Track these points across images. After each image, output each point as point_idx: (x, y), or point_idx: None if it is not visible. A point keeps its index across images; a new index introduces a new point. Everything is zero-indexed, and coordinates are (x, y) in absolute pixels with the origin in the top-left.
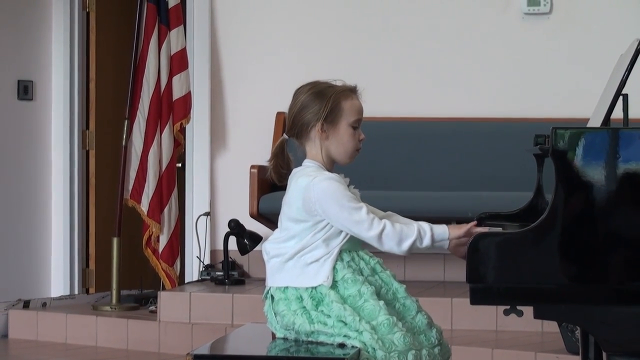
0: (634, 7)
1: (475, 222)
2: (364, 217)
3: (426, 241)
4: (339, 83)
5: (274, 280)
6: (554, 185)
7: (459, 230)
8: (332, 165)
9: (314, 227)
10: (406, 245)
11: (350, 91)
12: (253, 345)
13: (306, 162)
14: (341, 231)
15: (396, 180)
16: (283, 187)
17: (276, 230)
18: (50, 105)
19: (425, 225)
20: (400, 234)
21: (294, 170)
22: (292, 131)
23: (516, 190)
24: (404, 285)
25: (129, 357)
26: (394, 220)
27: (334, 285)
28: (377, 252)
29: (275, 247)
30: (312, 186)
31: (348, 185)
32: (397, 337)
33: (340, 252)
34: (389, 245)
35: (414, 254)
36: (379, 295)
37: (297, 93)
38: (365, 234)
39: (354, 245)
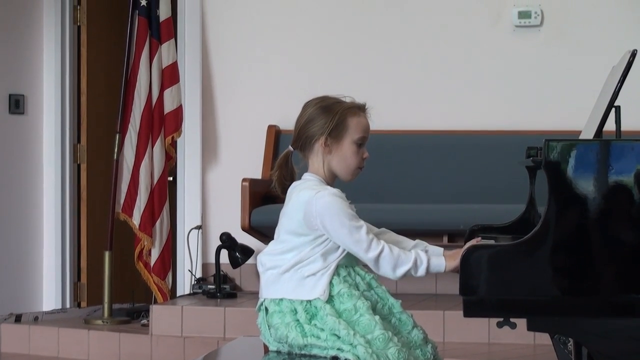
0: (625, 19)
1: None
2: (364, 238)
3: (421, 271)
4: (348, 99)
5: (268, 292)
6: (546, 197)
7: (455, 262)
8: (333, 180)
9: (314, 242)
10: (400, 272)
11: (358, 108)
12: (245, 359)
13: (306, 176)
14: (339, 246)
15: (388, 193)
16: (276, 200)
17: (271, 242)
18: (41, 119)
19: (422, 255)
20: (397, 259)
21: (294, 184)
22: (296, 143)
23: (509, 202)
24: (400, 301)
25: None
26: (388, 237)
27: (329, 300)
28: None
29: (271, 259)
30: (314, 201)
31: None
32: (391, 352)
33: (337, 267)
34: (385, 269)
35: None
36: (375, 310)
37: (306, 106)
38: (364, 255)
39: (351, 260)
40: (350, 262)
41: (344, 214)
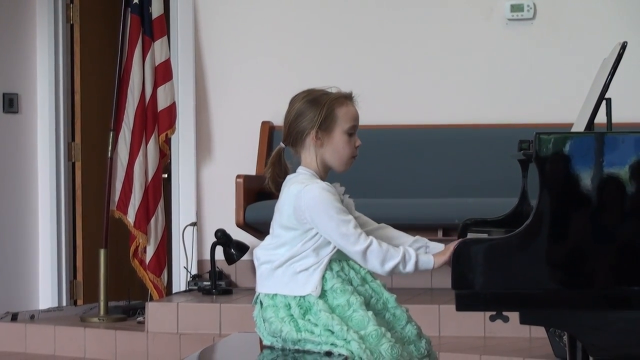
0: (616, 12)
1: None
2: (351, 231)
3: (409, 267)
4: (334, 90)
5: (263, 286)
6: (538, 190)
7: (444, 256)
8: (326, 173)
9: (304, 236)
10: (389, 266)
11: (345, 98)
12: (241, 355)
13: (300, 170)
14: None
15: (382, 188)
16: (270, 196)
17: (268, 236)
18: (35, 117)
19: (411, 252)
20: (386, 253)
21: (288, 177)
22: (287, 139)
23: (502, 196)
24: (395, 295)
25: None
26: (387, 232)
27: (322, 295)
28: None
29: (265, 253)
30: (302, 194)
31: (343, 194)
32: (384, 348)
33: (330, 262)
34: (372, 263)
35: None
36: (368, 305)
37: (293, 101)
38: (351, 248)
39: (344, 254)
40: (344, 256)
41: (332, 207)
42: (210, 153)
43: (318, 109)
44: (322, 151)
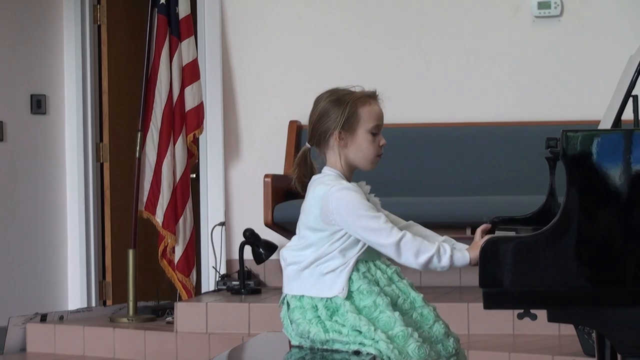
0: None
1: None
2: (382, 226)
3: (444, 261)
4: (358, 89)
5: (290, 287)
6: (566, 188)
7: (478, 250)
8: (351, 173)
9: (331, 237)
10: (423, 258)
11: (369, 97)
12: (269, 355)
13: (325, 170)
14: (358, 242)
15: (410, 186)
16: (298, 196)
17: (294, 236)
18: (63, 118)
19: (446, 246)
20: (420, 246)
21: (314, 177)
22: (312, 140)
23: (529, 193)
24: (421, 294)
25: None
26: (415, 230)
27: (349, 296)
28: (394, 261)
29: (292, 254)
30: (329, 195)
31: (369, 193)
32: (412, 349)
33: (356, 263)
34: (406, 255)
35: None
36: (396, 305)
37: (317, 101)
38: (384, 241)
39: (371, 255)
40: (370, 256)
41: (360, 206)
42: (238, 153)
43: (341, 109)
44: (346, 151)
